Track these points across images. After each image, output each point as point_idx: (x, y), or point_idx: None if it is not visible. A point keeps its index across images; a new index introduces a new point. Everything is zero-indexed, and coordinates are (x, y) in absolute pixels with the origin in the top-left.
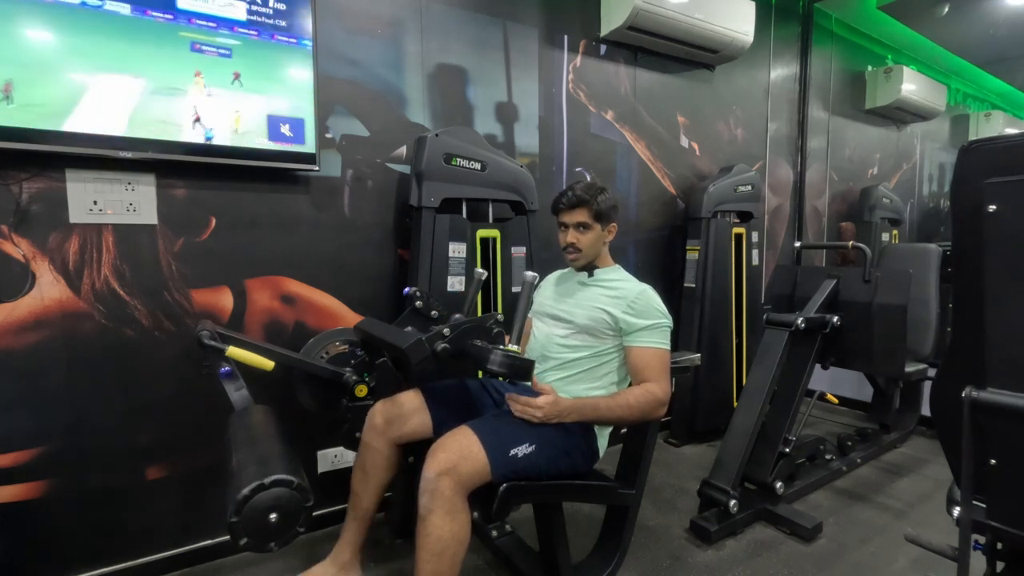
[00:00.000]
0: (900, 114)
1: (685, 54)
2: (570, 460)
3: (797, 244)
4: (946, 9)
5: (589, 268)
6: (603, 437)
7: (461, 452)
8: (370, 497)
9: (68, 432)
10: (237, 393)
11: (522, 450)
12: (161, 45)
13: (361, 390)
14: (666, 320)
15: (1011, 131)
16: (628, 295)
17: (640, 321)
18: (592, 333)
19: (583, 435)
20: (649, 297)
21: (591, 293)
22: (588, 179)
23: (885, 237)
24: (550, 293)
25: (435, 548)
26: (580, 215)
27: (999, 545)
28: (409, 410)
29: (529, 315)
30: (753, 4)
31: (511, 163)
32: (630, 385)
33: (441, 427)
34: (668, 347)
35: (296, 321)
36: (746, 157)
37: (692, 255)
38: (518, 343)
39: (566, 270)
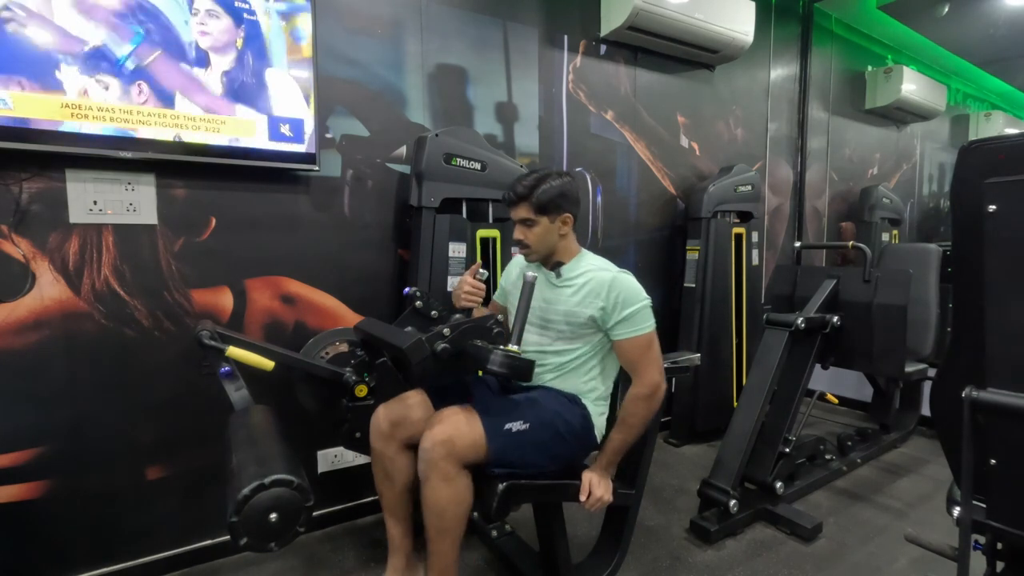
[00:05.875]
0: (900, 114)
1: (685, 54)
2: (566, 444)
3: (797, 244)
4: (946, 9)
5: (554, 265)
6: (599, 428)
7: (457, 425)
8: (402, 500)
9: (68, 432)
10: (237, 393)
11: (516, 426)
12: None
13: (361, 390)
14: (644, 301)
15: (1011, 131)
16: (600, 289)
17: (618, 313)
18: (573, 337)
19: (582, 426)
20: (621, 285)
21: (562, 296)
22: (579, 173)
23: (885, 237)
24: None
25: (435, 509)
26: (522, 211)
27: (999, 545)
28: (414, 405)
29: (500, 302)
30: (753, 4)
31: (511, 163)
32: (619, 371)
33: None
34: (652, 326)
35: (296, 321)
36: (746, 157)
37: (692, 255)
38: (518, 344)
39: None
